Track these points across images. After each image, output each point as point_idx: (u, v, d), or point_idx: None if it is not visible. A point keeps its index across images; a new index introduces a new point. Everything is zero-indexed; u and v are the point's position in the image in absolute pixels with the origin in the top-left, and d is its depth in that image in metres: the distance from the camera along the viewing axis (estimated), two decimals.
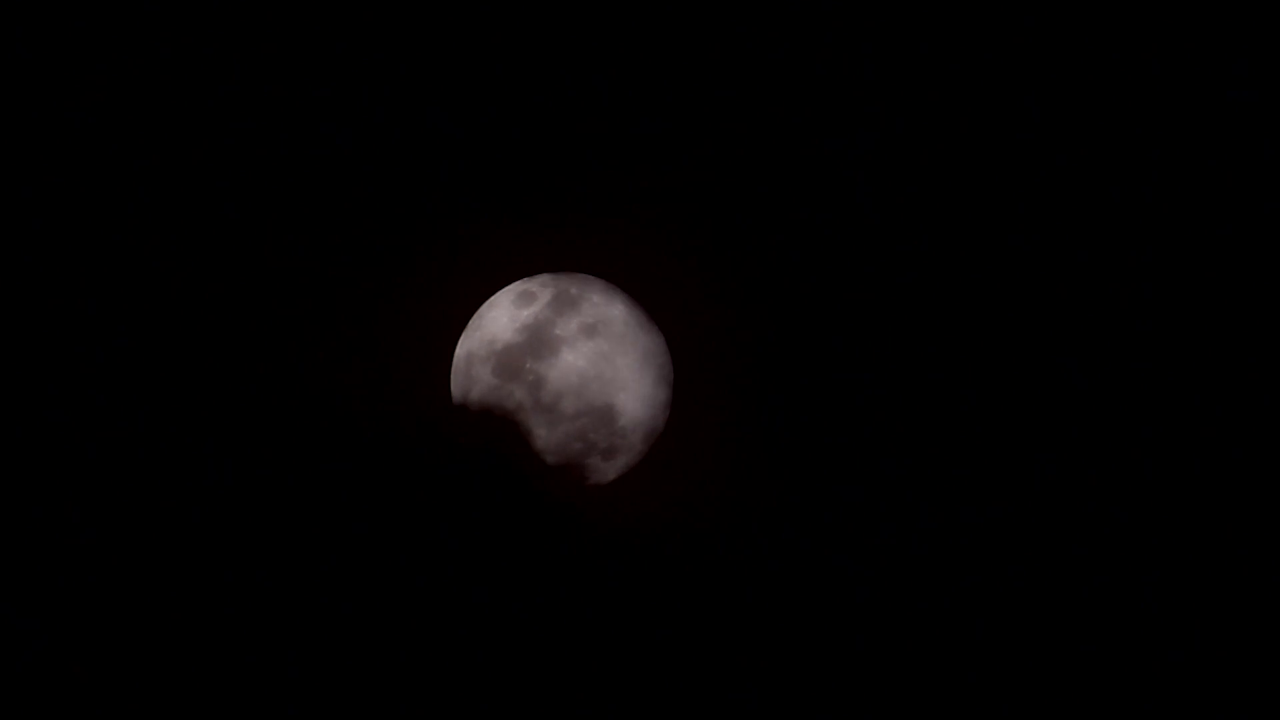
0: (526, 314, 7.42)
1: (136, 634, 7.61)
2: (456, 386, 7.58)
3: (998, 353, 7.59)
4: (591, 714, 7.53)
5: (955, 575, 7.53)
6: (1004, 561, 7.52)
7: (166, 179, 7.79)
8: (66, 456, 7.67)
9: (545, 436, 7.30)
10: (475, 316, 7.61)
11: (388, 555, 7.69)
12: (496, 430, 7.35)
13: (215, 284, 7.78)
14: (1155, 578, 7.45)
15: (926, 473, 7.58)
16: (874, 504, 7.61)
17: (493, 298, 7.60)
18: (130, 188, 7.78)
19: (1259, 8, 7.40)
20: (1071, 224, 7.58)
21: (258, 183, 7.79)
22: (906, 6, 7.59)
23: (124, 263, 7.77)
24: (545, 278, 7.60)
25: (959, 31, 7.57)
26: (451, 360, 7.64)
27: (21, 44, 7.70)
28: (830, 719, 7.47)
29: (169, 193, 7.79)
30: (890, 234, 7.64)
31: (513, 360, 7.34)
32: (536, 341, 7.34)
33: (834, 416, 7.66)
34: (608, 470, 7.51)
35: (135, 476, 7.67)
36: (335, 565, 7.68)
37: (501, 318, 7.47)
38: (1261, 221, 7.45)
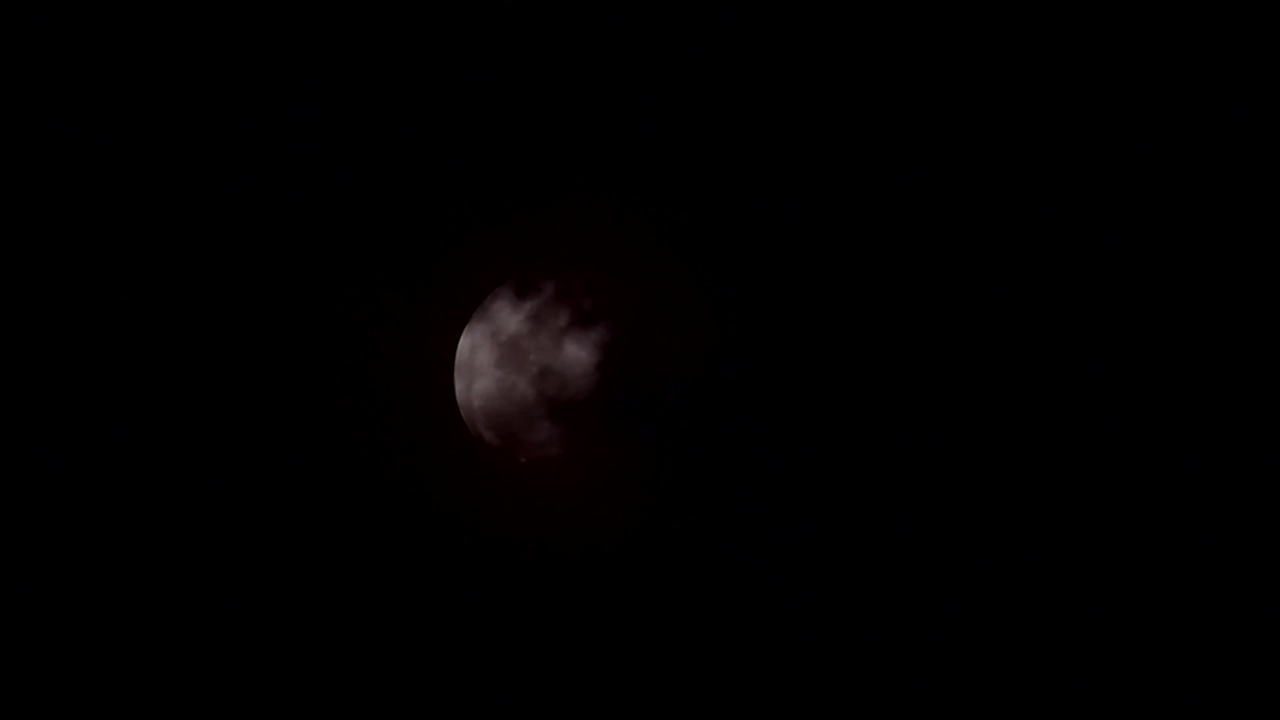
0: (530, 306, 7.45)
1: (136, 633, 7.61)
2: (460, 377, 7.59)
3: (987, 354, 7.62)
4: (598, 708, 7.55)
5: (956, 573, 7.56)
6: (1002, 553, 7.55)
7: (167, 178, 7.79)
8: (61, 458, 7.66)
9: (548, 428, 7.33)
10: (479, 308, 7.63)
11: (388, 547, 7.70)
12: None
13: (216, 281, 7.78)
14: (1141, 588, 7.48)
15: (924, 463, 7.61)
16: (867, 492, 7.64)
17: (496, 289, 7.62)
18: (128, 185, 7.78)
19: (1259, 8, 7.45)
20: (1068, 224, 7.62)
21: (257, 176, 7.80)
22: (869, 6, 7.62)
23: (122, 261, 7.77)
24: (548, 271, 7.62)
25: (922, 28, 7.61)
26: (455, 351, 7.66)
27: (20, 43, 7.71)
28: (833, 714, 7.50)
29: (172, 192, 7.79)
30: (893, 235, 7.67)
31: (516, 351, 7.36)
32: (540, 333, 7.37)
33: (829, 413, 7.68)
34: (608, 462, 7.54)
35: (135, 466, 7.67)
36: (336, 557, 7.68)
37: (505, 309, 7.50)
38: (1261, 221, 7.49)
